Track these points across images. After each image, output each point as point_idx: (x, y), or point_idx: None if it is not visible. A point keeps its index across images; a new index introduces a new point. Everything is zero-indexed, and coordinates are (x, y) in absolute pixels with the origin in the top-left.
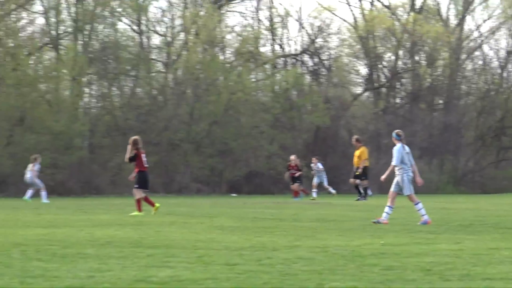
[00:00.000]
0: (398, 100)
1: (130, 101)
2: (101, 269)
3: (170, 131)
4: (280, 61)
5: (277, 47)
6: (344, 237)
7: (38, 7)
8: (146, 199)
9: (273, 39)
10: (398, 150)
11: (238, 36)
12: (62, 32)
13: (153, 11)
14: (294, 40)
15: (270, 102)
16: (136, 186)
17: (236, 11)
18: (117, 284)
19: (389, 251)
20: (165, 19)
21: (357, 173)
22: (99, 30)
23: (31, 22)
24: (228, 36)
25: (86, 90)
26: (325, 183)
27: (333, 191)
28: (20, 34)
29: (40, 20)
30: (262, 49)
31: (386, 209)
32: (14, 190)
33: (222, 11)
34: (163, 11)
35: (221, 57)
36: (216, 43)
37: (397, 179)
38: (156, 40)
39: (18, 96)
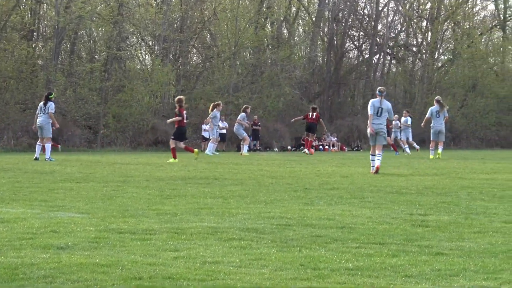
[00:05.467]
0: None
1: None
2: None
3: None
4: None
5: None
6: None
7: None
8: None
9: None
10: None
11: None
12: (508, 16)
13: None
14: None
15: None
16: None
17: None
18: None
19: None
20: None
21: None
22: None
23: (484, 8)
24: None
25: None
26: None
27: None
28: (474, 18)
29: (491, 6)
30: None
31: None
32: (466, 144)
33: None
34: None
35: None
36: None
37: None
38: None
39: (471, 68)
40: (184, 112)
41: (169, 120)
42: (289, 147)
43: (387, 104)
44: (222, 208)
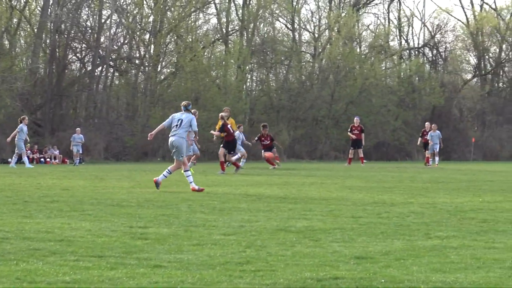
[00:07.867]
0: (501, 85)
1: (283, 85)
2: (250, 220)
3: (314, 109)
4: (405, 53)
5: (403, 42)
6: (450, 196)
7: (212, 9)
8: None
9: (400, 35)
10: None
11: (371, 32)
12: (230, 29)
13: (304, 12)
14: (417, 35)
15: (396, 86)
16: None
17: (370, 12)
18: (262, 232)
19: (486, 207)
20: (314, 19)
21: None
22: (260, 28)
23: (206, 21)
24: (364, 33)
25: (248, 76)
26: None
27: None
28: (197, 31)
29: (213, 20)
30: (391, 43)
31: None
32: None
33: (359, 13)
34: (312, 12)
35: (358, 50)
36: (354, 38)
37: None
38: (305, 36)
39: (194, 81)
40: None
41: None
42: (9, 159)
43: (188, 116)
44: None
